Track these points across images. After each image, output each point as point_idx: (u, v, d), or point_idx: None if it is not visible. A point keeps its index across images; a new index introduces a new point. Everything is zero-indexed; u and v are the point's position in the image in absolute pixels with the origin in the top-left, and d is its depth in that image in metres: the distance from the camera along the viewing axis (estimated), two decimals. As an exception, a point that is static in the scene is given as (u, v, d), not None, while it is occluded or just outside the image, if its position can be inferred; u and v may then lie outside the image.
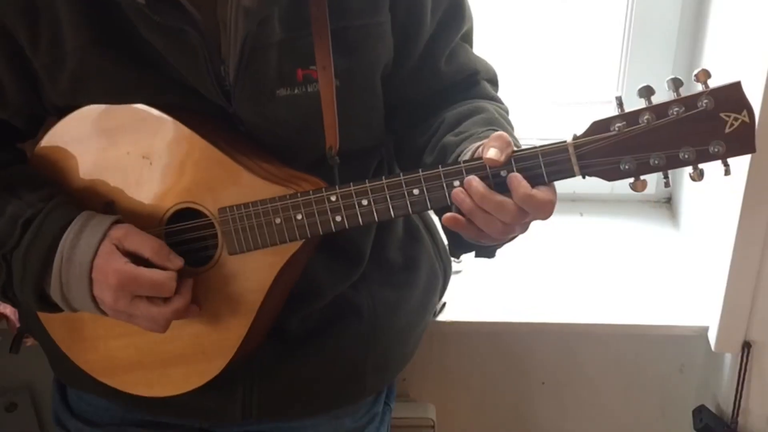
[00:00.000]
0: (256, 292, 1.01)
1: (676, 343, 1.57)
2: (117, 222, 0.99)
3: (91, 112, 1.02)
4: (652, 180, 1.65)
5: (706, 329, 1.42)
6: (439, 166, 0.92)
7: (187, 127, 1.00)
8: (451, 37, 1.11)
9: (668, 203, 1.71)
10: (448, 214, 0.92)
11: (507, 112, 1.13)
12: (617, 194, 1.70)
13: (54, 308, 1.02)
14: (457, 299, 1.45)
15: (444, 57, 1.10)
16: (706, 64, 1.49)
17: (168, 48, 0.98)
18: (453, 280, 1.41)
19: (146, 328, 0.99)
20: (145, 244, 0.97)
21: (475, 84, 1.14)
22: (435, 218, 1.34)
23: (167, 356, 1.06)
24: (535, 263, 1.55)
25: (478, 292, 1.48)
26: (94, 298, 0.97)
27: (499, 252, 1.10)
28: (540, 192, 0.89)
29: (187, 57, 0.98)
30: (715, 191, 1.42)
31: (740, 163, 1.26)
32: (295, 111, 1.02)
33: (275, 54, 1.00)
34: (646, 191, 1.67)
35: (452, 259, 1.41)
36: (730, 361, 1.45)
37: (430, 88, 1.11)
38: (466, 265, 1.53)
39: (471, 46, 1.16)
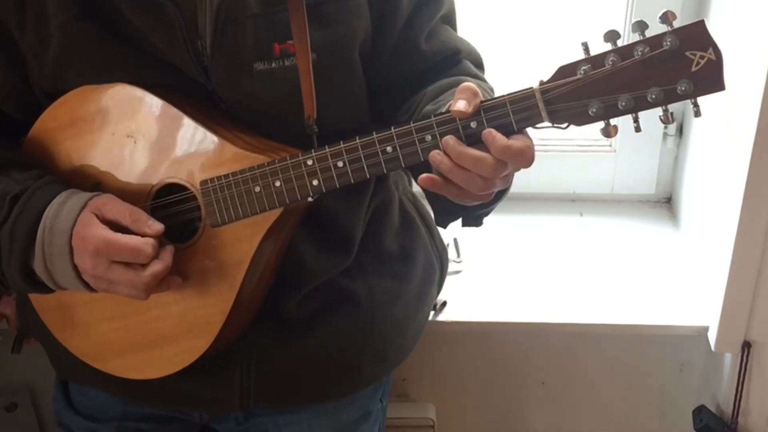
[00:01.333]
0: (238, 264, 1.02)
1: (676, 343, 1.57)
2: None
3: (75, 96, 1.04)
4: (652, 180, 1.69)
5: (706, 329, 1.42)
6: (411, 122, 0.92)
7: (169, 103, 1.01)
8: (431, 17, 1.11)
9: (668, 203, 1.71)
10: (423, 175, 0.92)
11: (492, 90, 1.13)
12: (617, 194, 1.71)
13: (40, 287, 1.03)
14: (457, 299, 1.45)
15: (424, 36, 1.11)
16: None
17: (146, 23, 1.00)
18: (453, 280, 1.41)
19: (127, 294, 0.99)
20: (124, 211, 0.98)
21: (457, 63, 1.14)
22: (432, 212, 1.34)
23: (156, 336, 1.07)
24: (535, 263, 1.55)
25: (478, 292, 1.48)
26: (75, 267, 0.98)
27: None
28: (516, 141, 0.89)
29: (165, 31, 0.99)
30: (715, 191, 1.42)
31: (740, 163, 1.26)
32: (274, 85, 1.03)
33: (251, 27, 1.01)
34: (646, 191, 1.70)
35: (452, 258, 1.42)
36: (730, 361, 1.45)
37: (413, 68, 1.12)
38: (467, 265, 1.53)
39: (454, 30, 1.16)
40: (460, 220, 1.12)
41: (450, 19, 1.16)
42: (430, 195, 1.06)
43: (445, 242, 1.36)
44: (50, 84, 1.05)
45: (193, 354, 1.06)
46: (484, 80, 1.15)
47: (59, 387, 1.27)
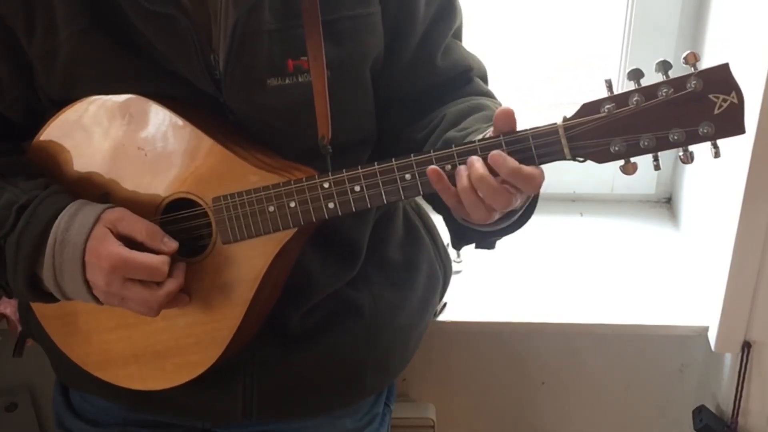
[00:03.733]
0: (249, 281, 1.02)
1: (676, 343, 1.57)
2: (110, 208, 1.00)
3: (85, 105, 1.03)
4: (652, 180, 1.69)
5: (706, 329, 1.42)
6: (431, 151, 0.92)
7: (181, 117, 1.00)
8: (446, 32, 1.11)
9: (668, 203, 1.71)
10: (432, 166, 0.90)
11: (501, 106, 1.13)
12: (617, 194, 1.71)
13: (46, 297, 1.02)
14: (457, 299, 1.45)
15: (440, 52, 1.11)
16: (706, 64, 1.50)
17: (158, 35, 0.99)
18: (453, 280, 1.41)
19: (138, 311, 0.99)
20: (139, 227, 0.98)
21: (469, 80, 1.15)
22: (436, 219, 1.34)
23: (161, 348, 1.06)
24: (535, 263, 1.55)
25: (478, 292, 1.48)
26: (86, 282, 0.97)
27: (499, 244, 1.10)
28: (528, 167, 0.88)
29: (178, 44, 0.99)
30: (715, 191, 1.42)
31: (740, 163, 1.26)
32: (286, 101, 1.02)
33: (265, 43, 1.01)
34: (646, 191, 1.70)
35: (452, 258, 1.42)
36: (730, 361, 1.45)
37: (426, 84, 1.12)
38: (467, 265, 1.53)
39: (461, 42, 1.17)
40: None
41: (459, 34, 1.16)
42: (447, 219, 1.07)
43: (445, 242, 1.36)
44: (57, 92, 1.04)
45: (198, 368, 1.06)
46: (494, 97, 1.15)
47: (59, 389, 1.26)
